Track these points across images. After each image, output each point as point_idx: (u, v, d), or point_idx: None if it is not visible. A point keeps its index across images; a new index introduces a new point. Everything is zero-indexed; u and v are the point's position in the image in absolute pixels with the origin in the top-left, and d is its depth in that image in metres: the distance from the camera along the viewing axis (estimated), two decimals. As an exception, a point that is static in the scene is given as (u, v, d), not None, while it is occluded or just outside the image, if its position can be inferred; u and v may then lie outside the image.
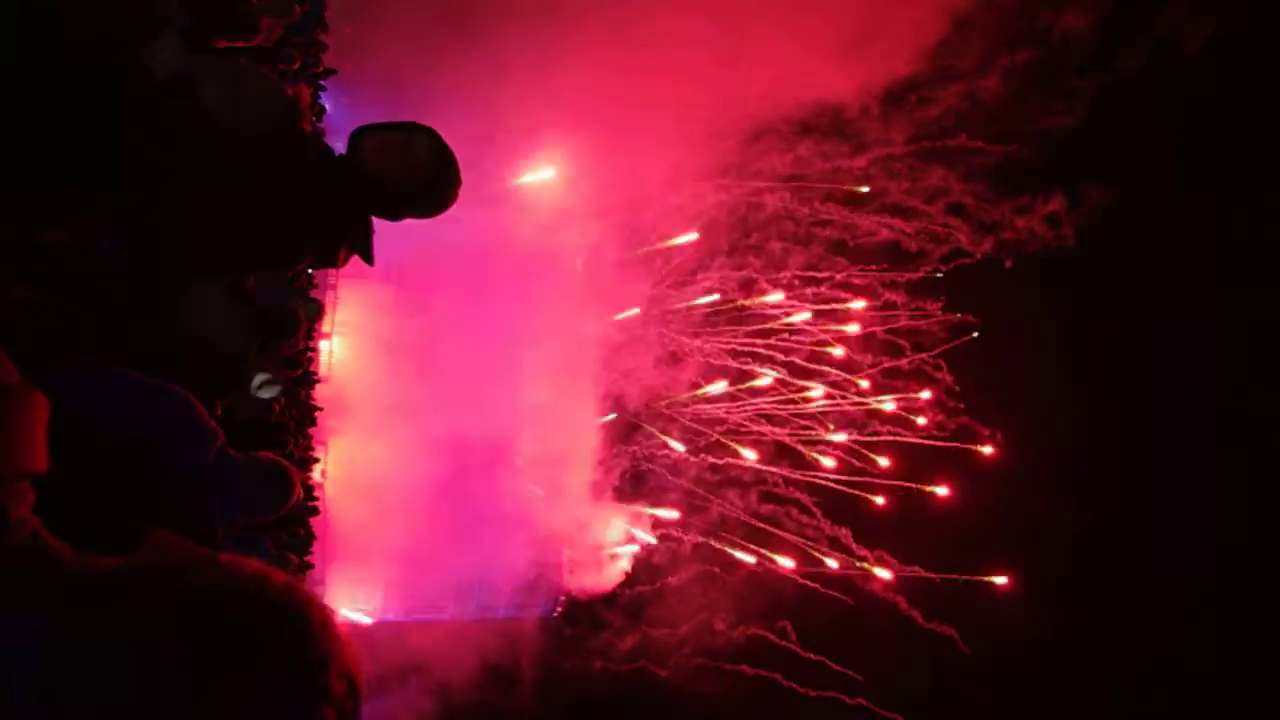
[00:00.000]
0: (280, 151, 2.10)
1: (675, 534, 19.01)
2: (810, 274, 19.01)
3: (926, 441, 19.24)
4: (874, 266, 19.05)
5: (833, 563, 18.54)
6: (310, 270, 10.74)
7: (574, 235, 17.74)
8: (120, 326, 2.26)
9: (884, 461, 19.27)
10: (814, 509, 18.94)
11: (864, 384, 19.48)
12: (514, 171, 17.55)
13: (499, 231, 17.35)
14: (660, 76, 14.16)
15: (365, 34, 15.06)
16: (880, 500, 19.17)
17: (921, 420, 19.30)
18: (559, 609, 19.39)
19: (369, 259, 2.29)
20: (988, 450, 19.08)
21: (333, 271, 17.34)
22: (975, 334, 19.04)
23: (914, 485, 19.05)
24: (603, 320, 18.45)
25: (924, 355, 19.21)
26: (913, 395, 19.34)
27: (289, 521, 9.98)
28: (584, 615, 18.94)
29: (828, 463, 19.17)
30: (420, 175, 2.27)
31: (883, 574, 18.42)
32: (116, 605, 0.92)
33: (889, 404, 19.32)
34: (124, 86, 1.88)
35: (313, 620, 0.95)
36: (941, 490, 18.89)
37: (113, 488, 1.88)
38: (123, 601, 0.92)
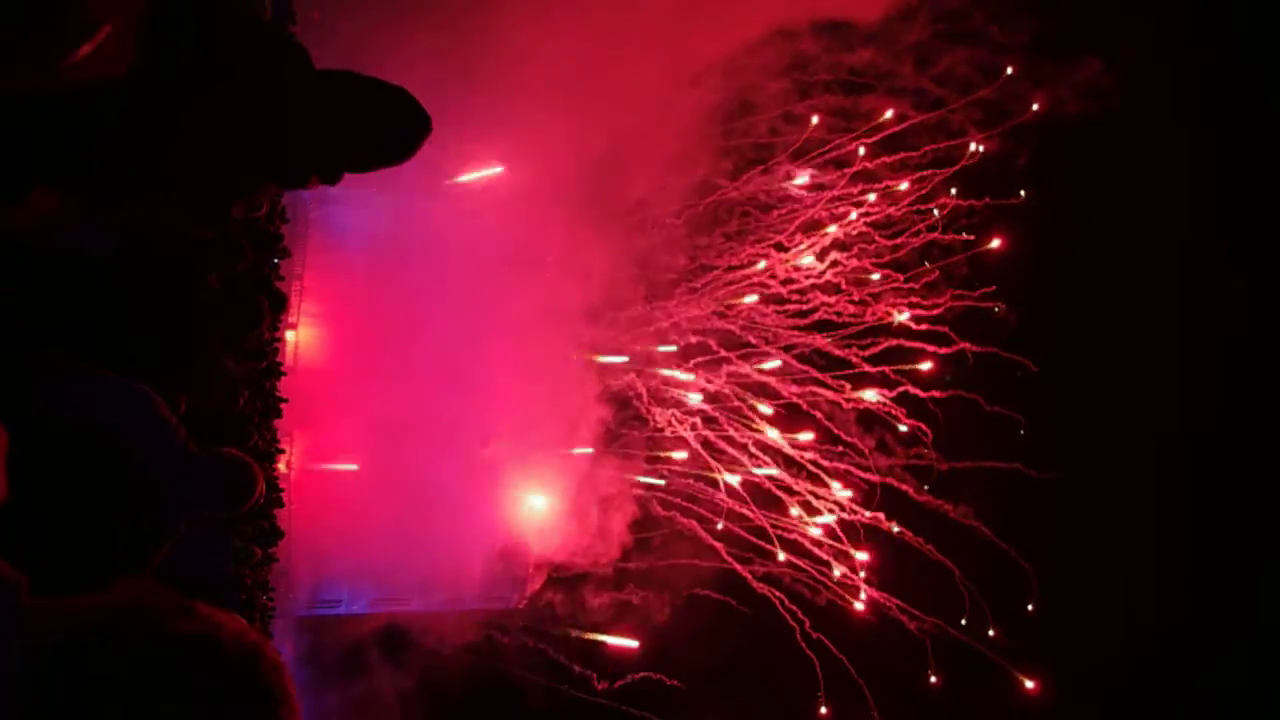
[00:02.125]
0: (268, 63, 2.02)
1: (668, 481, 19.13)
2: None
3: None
4: (889, 158, 19.13)
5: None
6: (284, 191, 10.48)
7: (546, 211, 17.47)
8: (85, 323, 2.25)
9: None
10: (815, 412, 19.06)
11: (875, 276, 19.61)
12: (485, 157, 17.37)
13: (464, 217, 17.18)
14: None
15: (332, 20, 14.94)
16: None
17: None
18: (523, 601, 19.39)
19: (334, 180, 2.20)
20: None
21: (298, 263, 17.13)
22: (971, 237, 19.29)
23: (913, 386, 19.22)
24: (580, 296, 18.25)
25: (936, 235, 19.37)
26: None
27: (254, 515, 9.89)
28: (568, 582, 18.96)
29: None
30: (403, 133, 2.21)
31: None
32: (91, 647, 0.94)
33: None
34: None
35: (279, 671, 1.01)
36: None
37: (76, 484, 1.88)
38: (97, 644, 0.94)
